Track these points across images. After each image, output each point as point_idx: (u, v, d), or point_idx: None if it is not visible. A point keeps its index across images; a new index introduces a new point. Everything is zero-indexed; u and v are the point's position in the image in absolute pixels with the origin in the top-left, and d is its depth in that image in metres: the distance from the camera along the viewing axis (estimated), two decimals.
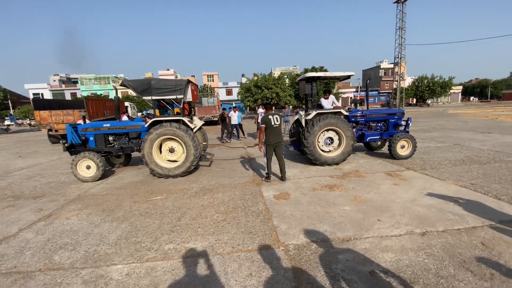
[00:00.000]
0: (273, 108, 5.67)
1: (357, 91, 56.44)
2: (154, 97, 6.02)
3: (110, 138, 6.67)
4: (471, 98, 71.58)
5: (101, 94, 45.93)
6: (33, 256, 2.88)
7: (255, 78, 32.34)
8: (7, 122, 31.36)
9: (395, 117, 7.18)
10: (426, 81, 48.99)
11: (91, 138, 6.51)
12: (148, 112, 7.13)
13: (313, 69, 38.02)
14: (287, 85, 32.94)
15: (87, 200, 4.70)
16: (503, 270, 2.34)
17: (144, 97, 6.05)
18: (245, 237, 3.09)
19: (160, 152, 6.15)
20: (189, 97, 6.45)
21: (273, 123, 5.04)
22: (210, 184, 5.33)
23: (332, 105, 7.15)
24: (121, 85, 6.27)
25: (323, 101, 7.27)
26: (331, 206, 3.88)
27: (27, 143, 15.15)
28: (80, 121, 7.55)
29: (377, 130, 7.22)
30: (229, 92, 59.77)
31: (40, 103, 13.85)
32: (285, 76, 38.09)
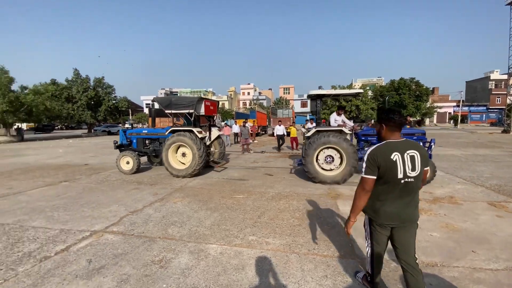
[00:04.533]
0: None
1: (458, 106, 47.20)
2: (173, 111, 7.34)
3: (147, 141, 8.50)
4: None
5: None
6: (154, 227, 3.82)
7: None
8: (127, 125, 40.39)
9: (414, 138, 6.47)
10: None
11: (134, 141, 8.43)
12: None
13: (401, 80, 34.29)
14: (369, 97, 30.74)
15: (187, 191, 5.77)
16: None
17: (166, 111, 7.41)
18: (320, 243, 3.25)
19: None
20: (202, 111, 7.54)
21: (399, 172, 1.86)
22: (285, 191, 5.67)
23: (341, 122, 7.16)
24: (152, 101, 7.87)
25: (332, 118, 7.28)
26: None
27: None
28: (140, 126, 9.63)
29: None
30: (304, 104, 59.78)
31: (153, 111, 17.42)
32: (367, 88, 35.64)
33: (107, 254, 3.02)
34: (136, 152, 8.01)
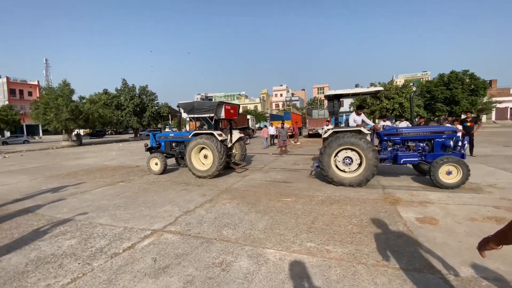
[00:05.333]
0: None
1: None
2: (195, 115, 7.82)
3: (173, 144, 8.90)
4: None
5: None
6: (209, 228, 3.86)
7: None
8: (167, 130, 43.04)
9: (443, 136, 5.99)
10: None
11: (162, 144, 8.86)
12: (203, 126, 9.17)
13: (452, 74, 31.03)
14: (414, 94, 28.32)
15: (233, 192, 5.80)
16: None
17: (189, 115, 7.87)
18: (389, 254, 2.94)
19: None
20: (222, 115, 7.83)
21: None
22: (335, 195, 5.37)
23: (360, 123, 6.81)
24: (177, 106, 8.15)
25: (351, 118, 6.83)
26: None
27: None
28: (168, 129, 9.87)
29: (418, 151, 6.16)
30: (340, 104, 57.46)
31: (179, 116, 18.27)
32: (411, 84, 32.94)
33: (170, 254, 3.11)
34: (164, 154, 8.44)
